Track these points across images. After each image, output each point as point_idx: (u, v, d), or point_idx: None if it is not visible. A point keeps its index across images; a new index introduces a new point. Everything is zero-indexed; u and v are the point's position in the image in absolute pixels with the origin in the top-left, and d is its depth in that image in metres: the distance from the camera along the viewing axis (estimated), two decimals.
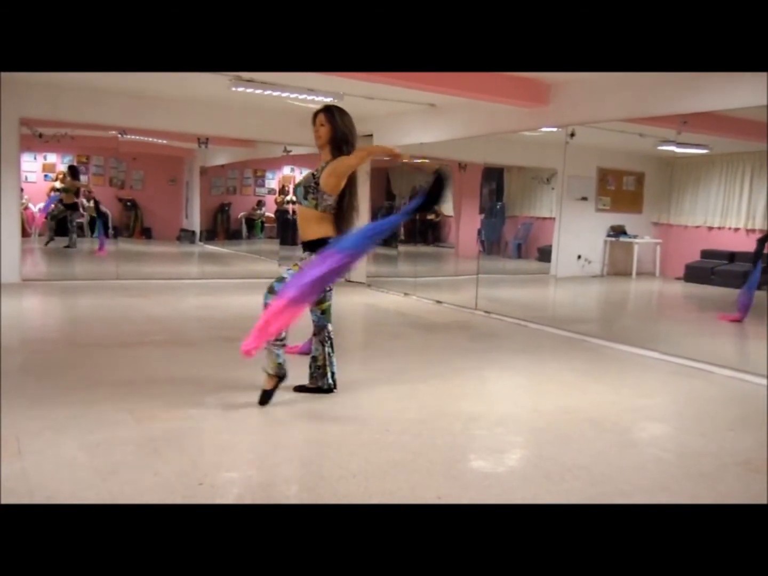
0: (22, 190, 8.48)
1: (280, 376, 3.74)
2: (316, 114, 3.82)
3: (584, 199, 8.93)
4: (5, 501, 2.37)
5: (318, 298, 3.76)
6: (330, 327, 3.95)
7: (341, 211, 3.81)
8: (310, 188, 3.72)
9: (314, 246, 3.71)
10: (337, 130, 3.74)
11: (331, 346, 3.95)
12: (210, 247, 13.04)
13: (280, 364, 3.73)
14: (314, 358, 3.96)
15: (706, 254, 9.05)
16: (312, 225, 3.76)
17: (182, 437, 3.16)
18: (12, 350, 4.74)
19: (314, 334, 4.00)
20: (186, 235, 13.18)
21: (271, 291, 3.66)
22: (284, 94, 7.09)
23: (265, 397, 3.70)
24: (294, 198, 3.92)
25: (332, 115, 3.77)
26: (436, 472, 2.90)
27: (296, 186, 3.89)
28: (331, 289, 3.94)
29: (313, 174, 3.78)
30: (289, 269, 3.75)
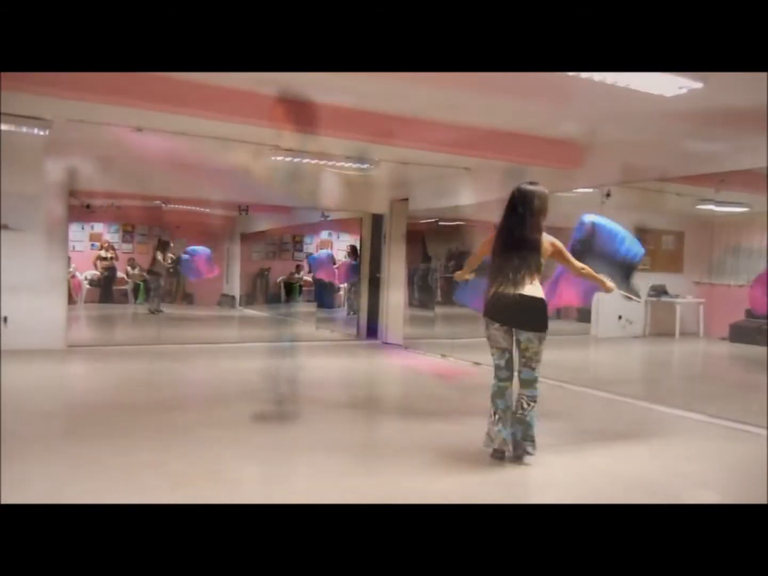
0: (69, 258, 8.78)
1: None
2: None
3: None
4: None
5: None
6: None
7: None
8: None
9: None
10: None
11: None
12: (249, 312, 13.23)
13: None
14: None
15: (752, 313, 8.83)
16: None
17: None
18: (56, 415, 4.84)
19: None
20: (226, 300, 13.43)
21: None
22: (322, 162, 7.22)
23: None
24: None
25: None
26: None
27: None
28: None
29: None
30: None
